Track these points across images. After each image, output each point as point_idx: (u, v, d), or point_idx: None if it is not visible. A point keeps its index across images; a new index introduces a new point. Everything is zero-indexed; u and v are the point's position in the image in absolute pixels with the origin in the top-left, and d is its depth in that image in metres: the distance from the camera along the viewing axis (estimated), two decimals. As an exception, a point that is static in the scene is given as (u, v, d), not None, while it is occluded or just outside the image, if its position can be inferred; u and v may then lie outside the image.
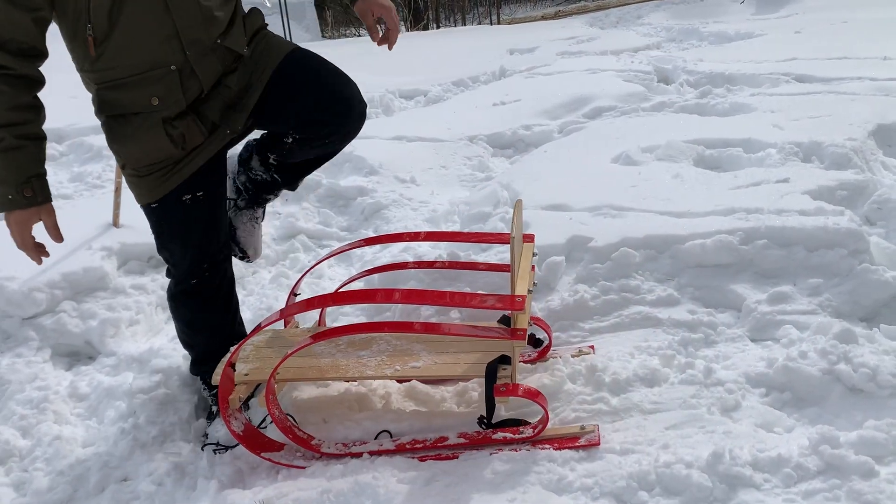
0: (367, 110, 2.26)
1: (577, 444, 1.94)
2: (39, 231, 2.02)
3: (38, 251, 2.03)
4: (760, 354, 2.24)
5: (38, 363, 2.75)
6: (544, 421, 1.99)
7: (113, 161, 4.95)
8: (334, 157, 2.43)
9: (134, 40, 1.90)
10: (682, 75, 6.16)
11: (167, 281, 3.26)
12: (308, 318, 2.79)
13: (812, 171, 3.27)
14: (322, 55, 2.25)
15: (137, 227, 3.41)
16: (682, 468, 1.78)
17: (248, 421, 2.14)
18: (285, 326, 2.56)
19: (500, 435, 2.01)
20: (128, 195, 3.74)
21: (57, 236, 2.04)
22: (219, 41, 2.01)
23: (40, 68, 1.94)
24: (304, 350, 2.19)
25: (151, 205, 2.13)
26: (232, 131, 2.11)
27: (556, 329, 2.49)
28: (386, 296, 2.09)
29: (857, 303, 2.37)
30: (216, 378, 2.11)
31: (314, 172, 4.30)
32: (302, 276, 2.73)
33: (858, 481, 1.68)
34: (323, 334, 2.13)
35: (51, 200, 2.00)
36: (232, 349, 2.11)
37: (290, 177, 2.39)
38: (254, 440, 2.11)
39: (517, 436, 2.00)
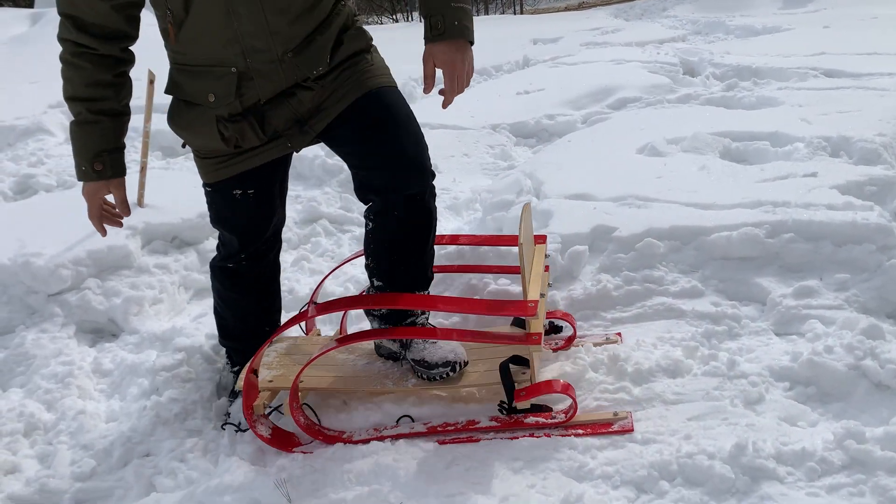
0: (431, 179, 2.04)
1: (609, 429, 1.94)
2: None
3: (102, 222, 2.11)
4: (785, 348, 2.22)
5: (62, 339, 2.78)
6: (574, 408, 1.99)
7: (138, 142, 4.98)
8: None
9: (201, 35, 1.89)
10: (708, 68, 6.12)
11: (190, 261, 3.32)
12: (326, 328, 2.78)
13: (840, 165, 3.23)
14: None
15: (162, 207, 3.44)
16: (705, 459, 1.77)
17: (274, 424, 2.15)
18: (307, 334, 2.57)
19: (531, 419, 2.00)
20: (153, 175, 3.78)
21: (124, 210, 2.12)
22: (289, 55, 1.92)
23: (131, 48, 1.98)
24: (327, 359, 2.20)
25: (206, 186, 2.16)
26: (293, 147, 2.04)
27: (578, 318, 2.47)
28: (403, 302, 2.09)
29: (885, 299, 2.34)
30: (239, 384, 2.13)
31: (336, 158, 4.31)
32: (321, 283, 2.71)
33: (884, 477, 1.66)
34: (347, 339, 2.12)
35: (122, 175, 2.07)
36: (254, 356, 2.12)
37: (400, 290, 2.14)
38: (284, 440, 2.11)
39: (549, 420, 1.99)
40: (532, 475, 1.81)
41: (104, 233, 2.16)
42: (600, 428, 1.95)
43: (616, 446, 1.89)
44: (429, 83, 1.92)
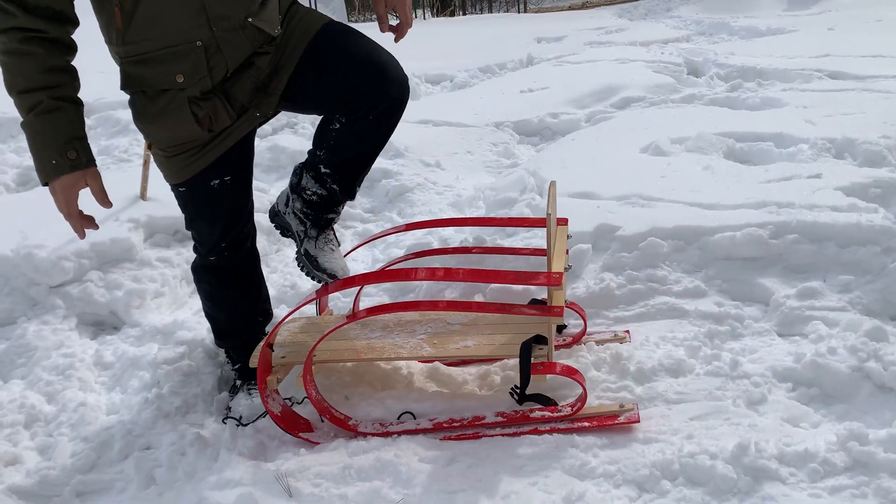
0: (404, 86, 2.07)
1: (616, 421, 1.93)
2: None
3: (83, 222, 1.96)
4: (788, 349, 2.22)
5: (64, 331, 2.78)
6: (583, 398, 1.98)
7: (140, 135, 4.98)
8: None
9: (161, 12, 1.84)
10: (712, 68, 6.10)
11: (192, 255, 3.30)
12: (339, 307, 2.79)
13: (845, 167, 3.22)
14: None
15: (164, 201, 3.43)
16: (707, 459, 1.76)
17: (285, 402, 2.15)
18: (320, 313, 2.57)
19: (538, 413, 2.00)
20: (155, 169, 3.77)
21: (104, 201, 1.96)
22: (249, 20, 1.92)
23: (72, 36, 1.91)
24: (340, 333, 2.20)
25: (179, 186, 2.11)
26: (262, 115, 2.04)
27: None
28: (426, 273, 2.09)
29: (889, 301, 2.33)
30: (253, 361, 2.12)
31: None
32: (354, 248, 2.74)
33: (887, 479, 1.66)
34: (364, 312, 2.12)
35: (95, 164, 1.95)
36: (269, 331, 2.12)
37: (346, 182, 2.15)
38: (291, 421, 2.11)
39: (555, 414, 1.99)
40: (534, 473, 1.81)
41: (83, 234, 1.99)
42: (606, 420, 1.94)
43: (618, 445, 1.89)
44: (384, 22, 2.12)
